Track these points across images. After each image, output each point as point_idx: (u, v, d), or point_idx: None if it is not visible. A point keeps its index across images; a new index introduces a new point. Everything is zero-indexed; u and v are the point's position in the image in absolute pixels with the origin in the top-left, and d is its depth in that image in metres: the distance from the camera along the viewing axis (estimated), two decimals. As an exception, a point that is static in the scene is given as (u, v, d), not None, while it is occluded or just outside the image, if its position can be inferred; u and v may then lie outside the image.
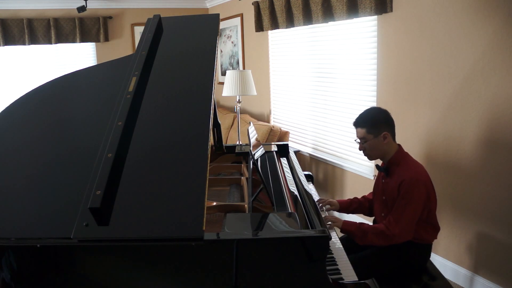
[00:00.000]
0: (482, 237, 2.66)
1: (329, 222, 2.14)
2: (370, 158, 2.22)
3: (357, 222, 2.15)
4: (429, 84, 2.87)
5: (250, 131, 2.39)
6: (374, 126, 2.13)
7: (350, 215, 3.73)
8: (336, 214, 3.94)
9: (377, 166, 2.27)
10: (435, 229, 2.19)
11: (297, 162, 2.82)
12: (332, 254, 1.90)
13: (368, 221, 3.42)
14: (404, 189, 2.05)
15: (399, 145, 2.21)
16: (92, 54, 6.13)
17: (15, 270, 1.38)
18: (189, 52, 2.12)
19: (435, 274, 2.13)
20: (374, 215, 2.41)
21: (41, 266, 1.38)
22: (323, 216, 2.16)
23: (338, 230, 2.23)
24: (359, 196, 2.53)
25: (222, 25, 5.94)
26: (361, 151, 2.23)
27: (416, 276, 2.12)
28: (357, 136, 2.19)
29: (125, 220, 1.39)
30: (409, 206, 2.03)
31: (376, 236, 2.06)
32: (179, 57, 2.09)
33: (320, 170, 4.28)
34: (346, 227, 2.13)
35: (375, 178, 2.39)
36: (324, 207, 2.42)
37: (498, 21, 2.39)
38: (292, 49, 4.51)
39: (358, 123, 2.18)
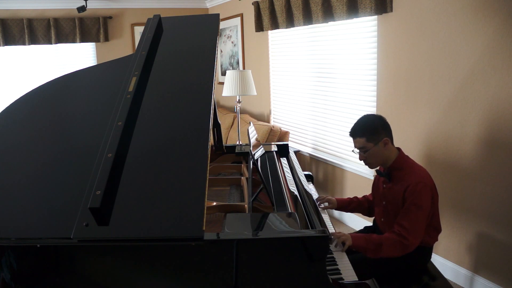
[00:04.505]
0: (482, 237, 2.66)
1: (341, 243, 1.92)
2: (372, 166, 2.14)
3: (363, 234, 2.04)
4: (429, 84, 2.87)
5: (250, 131, 2.39)
6: (373, 134, 2.05)
7: (351, 215, 3.74)
8: (336, 213, 3.95)
9: (377, 171, 2.22)
10: (437, 231, 2.17)
11: (297, 162, 2.82)
12: (332, 254, 1.89)
13: (368, 221, 3.42)
14: (412, 195, 1.98)
15: (398, 148, 2.15)
16: (92, 54, 6.13)
17: (15, 270, 1.38)
18: (189, 52, 2.12)
19: (435, 274, 2.13)
20: (373, 217, 2.40)
21: (41, 266, 1.38)
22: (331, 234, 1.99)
23: (338, 229, 2.23)
24: (359, 196, 2.52)
25: (222, 25, 5.94)
26: (362, 160, 2.15)
27: (416, 276, 2.12)
28: (356, 147, 2.11)
29: (125, 220, 1.39)
30: (420, 212, 1.97)
31: (391, 247, 1.95)
32: (179, 57, 2.09)
33: (320, 170, 4.28)
34: (357, 242, 1.94)
35: (374, 179, 2.36)
36: (322, 204, 2.41)
37: (498, 21, 2.39)
38: (292, 49, 4.51)
39: (356, 133, 2.09)
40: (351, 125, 2.15)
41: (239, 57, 5.65)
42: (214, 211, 1.93)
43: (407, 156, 2.16)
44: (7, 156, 1.76)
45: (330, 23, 3.77)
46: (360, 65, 3.54)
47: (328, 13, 3.62)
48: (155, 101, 1.82)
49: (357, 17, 3.36)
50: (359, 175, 3.65)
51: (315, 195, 2.55)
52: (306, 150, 4.45)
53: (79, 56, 6.06)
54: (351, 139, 2.13)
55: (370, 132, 2.06)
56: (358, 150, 2.12)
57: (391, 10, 3.09)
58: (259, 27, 4.82)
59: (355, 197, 2.48)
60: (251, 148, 2.14)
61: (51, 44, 5.76)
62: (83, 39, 5.91)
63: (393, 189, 2.11)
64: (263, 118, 5.22)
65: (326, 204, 2.42)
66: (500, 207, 2.51)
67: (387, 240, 1.96)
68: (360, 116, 2.17)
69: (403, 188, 2.03)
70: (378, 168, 2.25)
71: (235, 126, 4.80)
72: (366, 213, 2.45)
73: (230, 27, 5.78)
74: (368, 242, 1.95)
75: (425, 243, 2.11)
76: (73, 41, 5.86)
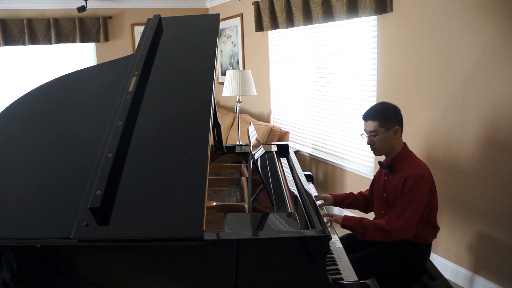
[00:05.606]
0: (482, 237, 2.66)
1: (327, 217, 2.14)
2: (378, 152, 2.19)
3: (358, 217, 2.15)
4: (429, 84, 2.87)
5: (250, 131, 2.39)
6: (387, 120, 2.11)
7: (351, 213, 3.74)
8: (336, 210, 3.95)
9: (379, 163, 2.26)
10: (435, 229, 2.19)
11: (297, 162, 2.82)
12: (332, 254, 1.89)
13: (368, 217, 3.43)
14: (409, 186, 2.04)
15: (404, 142, 2.20)
16: (92, 54, 6.13)
17: (15, 270, 1.38)
18: (189, 52, 2.12)
19: (435, 274, 2.13)
20: (372, 211, 2.41)
21: (41, 266, 1.38)
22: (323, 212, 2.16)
23: (338, 229, 2.23)
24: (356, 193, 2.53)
25: (222, 25, 5.94)
26: (368, 146, 2.21)
27: (416, 276, 2.12)
28: (367, 130, 2.16)
29: (125, 220, 1.39)
30: (412, 202, 2.03)
31: (375, 231, 2.06)
32: (179, 57, 2.09)
33: (320, 170, 4.28)
34: (347, 222, 2.13)
35: (375, 174, 2.39)
36: (318, 202, 2.42)
37: (498, 21, 2.39)
38: (292, 49, 4.51)
39: (369, 116, 2.15)
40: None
41: (239, 57, 5.65)
42: (214, 211, 1.93)
43: (410, 151, 2.21)
44: (7, 156, 1.75)
45: (330, 23, 3.77)
46: (360, 65, 3.54)
47: (328, 13, 3.62)
48: (155, 101, 1.82)
49: (357, 17, 3.36)
50: (359, 175, 3.65)
51: (315, 195, 2.55)
52: (306, 150, 4.45)
53: (79, 56, 6.06)
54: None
55: (384, 118, 2.12)
56: (367, 134, 2.17)
57: (391, 10, 3.09)
58: (259, 27, 4.82)
59: (351, 193, 2.50)
60: (251, 148, 2.14)
61: (51, 44, 5.77)
62: (83, 39, 5.91)
63: (393, 180, 2.16)
64: (263, 118, 5.22)
65: (322, 201, 2.45)
66: (500, 207, 2.51)
67: (374, 224, 2.09)
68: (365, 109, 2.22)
69: (402, 179, 2.08)
70: (382, 160, 2.29)
71: (235, 126, 4.80)
72: (362, 208, 2.48)
73: (230, 27, 5.78)
74: (358, 224, 2.11)
75: (421, 239, 2.14)
76: (73, 41, 5.86)
